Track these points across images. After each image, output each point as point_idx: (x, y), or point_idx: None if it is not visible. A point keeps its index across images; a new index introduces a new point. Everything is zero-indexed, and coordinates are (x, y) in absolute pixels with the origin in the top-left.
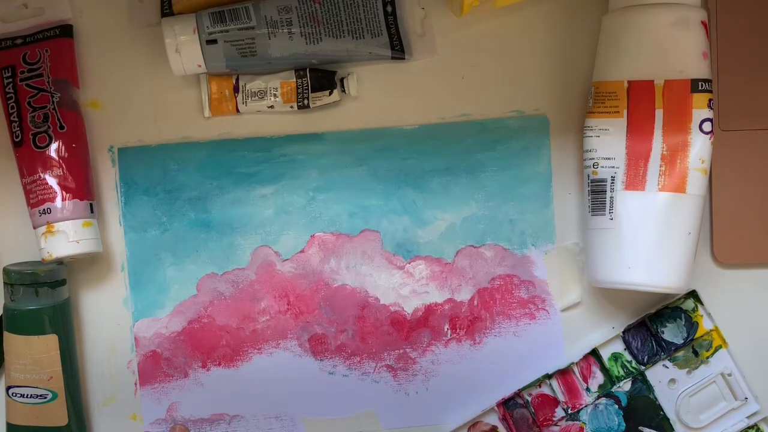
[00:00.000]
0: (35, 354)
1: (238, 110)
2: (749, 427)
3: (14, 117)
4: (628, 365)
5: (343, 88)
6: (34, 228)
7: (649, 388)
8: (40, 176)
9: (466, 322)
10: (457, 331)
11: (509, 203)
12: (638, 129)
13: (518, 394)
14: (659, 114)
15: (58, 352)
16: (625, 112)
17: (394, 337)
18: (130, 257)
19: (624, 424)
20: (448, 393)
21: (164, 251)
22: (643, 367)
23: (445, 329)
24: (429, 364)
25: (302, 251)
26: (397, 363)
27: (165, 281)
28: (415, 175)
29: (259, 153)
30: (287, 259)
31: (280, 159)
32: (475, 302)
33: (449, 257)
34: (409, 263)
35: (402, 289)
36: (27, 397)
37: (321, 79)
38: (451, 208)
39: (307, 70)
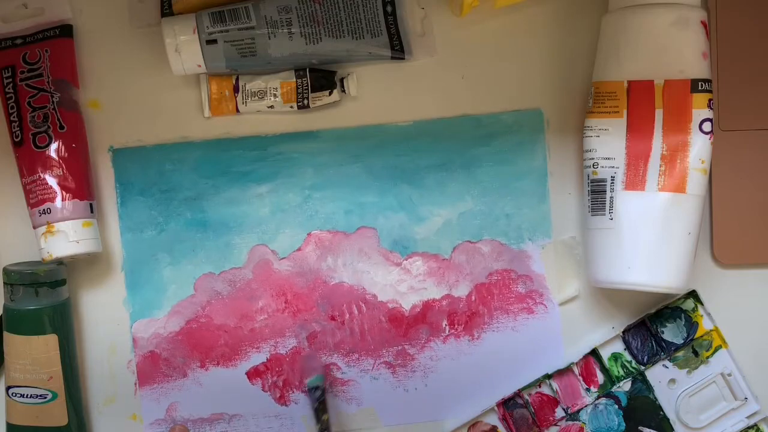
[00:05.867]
0: (35, 354)
1: (238, 110)
2: (749, 427)
3: (14, 117)
4: (628, 365)
5: (343, 88)
6: (34, 228)
7: (649, 388)
8: (40, 176)
9: (464, 317)
10: (456, 326)
11: (505, 198)
12: (638, 129)
13: (518, 394)
14: (659, 114)
15: (58, 352)
16: (625, 112)
17: (393, 334)
18: (126, 258)
19: (624, 424)
20: (447, 389)
21: (161, 251)
22: (643, 367)
23: (444, 325)
24: (427, 360)
25: (299, 249)
26: (395, 359)
27: (162, 281)
28: (411, 171)
29: (255, 152)
30: (284, 258)
31: (275, 157)
32: (473, 298)
33: (446, 253)
34: (406, 260)
35: (399, 285)
36: (27, 397)
37: (321, 79)
38: (447, 204)
39: (307, 70)
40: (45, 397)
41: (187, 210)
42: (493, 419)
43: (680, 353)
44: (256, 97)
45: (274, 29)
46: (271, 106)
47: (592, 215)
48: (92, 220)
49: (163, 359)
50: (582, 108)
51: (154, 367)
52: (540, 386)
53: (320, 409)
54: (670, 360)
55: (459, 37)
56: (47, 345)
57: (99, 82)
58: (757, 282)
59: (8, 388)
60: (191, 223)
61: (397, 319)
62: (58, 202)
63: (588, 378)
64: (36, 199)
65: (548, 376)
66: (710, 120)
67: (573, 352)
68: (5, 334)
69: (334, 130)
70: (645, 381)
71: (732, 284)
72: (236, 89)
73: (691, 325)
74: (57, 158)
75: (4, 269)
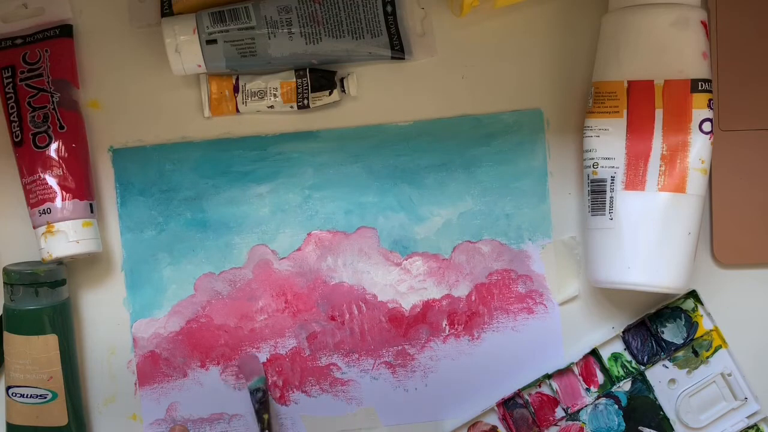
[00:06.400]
0: (35, 354)
1: (238, 110)
2: (749, 427)
3: (14, 117)
4: (628, 365)
5: (343, 88)
6: (34, 228)
7: (649, 388)
8: (40, 176)
9: (464, 317)
10: (456, 326)
11: (505, 198)
12: (638, 129)
13: (518, 394)
14: (659, 114)
15: (58, 352)
16: (624, 112)
17: (393, 334)
18: (126, 258)
19: (624, 424)
20: (447, 389)
21: (161, 251)
22: (643, 367)
23: (444, 325)
24: (427, 360)
25: (299, 249)
26: (395, 359)
27: (162, 281)
28: (411, 171)
29: (255, 152)
30: (284, 258)
31: (275, 157)
32: (473, 297)
33: (446, 253)
34: (406, 260)
35: (399, 285)
36: (27, 397)
37: (321, 79)
38: (447, 204)
39: (307, 70)
40: (45, 397)
41: (187, 210)
42: (493, 419)
43: (680, 353)
44: (256, 97)
45: (274, 29)
46: (271, 106)
47: (592, 215)
48: (92, 220)
49: (163, 359)
50: (582, 108)
51: (154, 367)
52: (540, 386)
53: (261, 409)
54: (670, 360)
55: (459, 37)
56: (47, 345)
57: (99, 82)
58: (757, 282)
59: (8, 388)
60: (191, 223)
61: (397, 319)
62: (58, 202)
63: (588, 378)
64: (36, 199)
65: (548, 376)
66: (710, 120)
67: (573, 352)
68: (5, 334)
69: (334, 130)
70: (645, 381)
71: (732, 284)
72: (236, 89)
73: (691, 325)
74: (57, 158)
75: (4, 269)
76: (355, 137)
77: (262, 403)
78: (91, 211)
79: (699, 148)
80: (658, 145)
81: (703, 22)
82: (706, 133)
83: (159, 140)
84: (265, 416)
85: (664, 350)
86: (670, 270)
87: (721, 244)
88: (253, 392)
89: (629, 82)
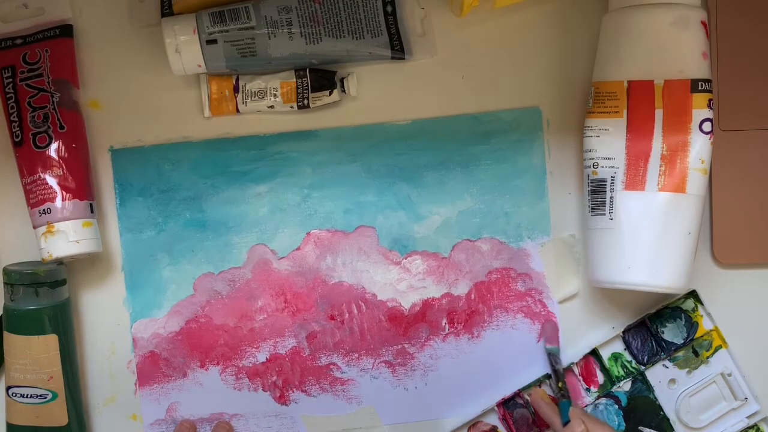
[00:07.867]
0: (35, 354)
1: (238, 110)
2: (749, 427)
3: (14, 117)
4: (628, 365)
5: (343, 88)
6: (34, 228)
7: (649, 388)
8: (40, 176)
9: (464, 316)
10: (455, 325)
11: (504, 196)
12: (638, 129)
13: (518, 394)
14: (659, 114)
15: (58, 352)
16: (625, 112)
17: (392, 333)
18: (126, 258)
19: (624, 424)
20: (447, 387)
21: (160, 252)
22: (643, 367)
23: (443, 324)
24: (427, 358)
25: (298, 249)
26: (395, 358)
27: (162, 282)
28: (410, 170)
29: (253, 151)
30: (283, 257)
31: (274, 157)
32: (473, 296)
33: (445, 251)
34: (406, 258)
35: (399, 284)
36: (27, 397)
37: (321, 79)
38: (446, 203)
39: (307, 70)
40: (45, 397)
41: (186, 210)
42: (493, 419)
43: (680, 353)
44: (256, 97)
45: (274, 29)
46: (272, 106)
47: (592, 215)
48: (92, 220)
49: (163, 359)
50: (582, 108)
51: (154, 367)
52: (540, 386)
53: (554, 375)
54: (670, 360)
55: (459, 37)
56: (47, 345)
57: (99, 82)
58: (757, 282)
59: (8, 388)
60: (190, 223)
61: (396, 318)
62: (58, 202)
63: (588, 378)
64: (36, 199)
65: (548, 376)
66: (710, 120)
67: (573, 352)
68: (5, 334)
69: (333, 129)
70: (645, 381)
71: (732, 284)
72: (236, 89)
73: (691, 325)
74: (57, 158)
75: (4, 269)
76: (353, 136)
77: (555, 370)
78: (92, 211)
79: (699, 148)
80: (658, 145)
81: (703, 22)
82: (706, 133)
83: (159, 140)
84: (560, 384)
85: (664, 350)
86: (670, 270)
87: (721, 244)
88: (549, 355)
89: (629, 82)
